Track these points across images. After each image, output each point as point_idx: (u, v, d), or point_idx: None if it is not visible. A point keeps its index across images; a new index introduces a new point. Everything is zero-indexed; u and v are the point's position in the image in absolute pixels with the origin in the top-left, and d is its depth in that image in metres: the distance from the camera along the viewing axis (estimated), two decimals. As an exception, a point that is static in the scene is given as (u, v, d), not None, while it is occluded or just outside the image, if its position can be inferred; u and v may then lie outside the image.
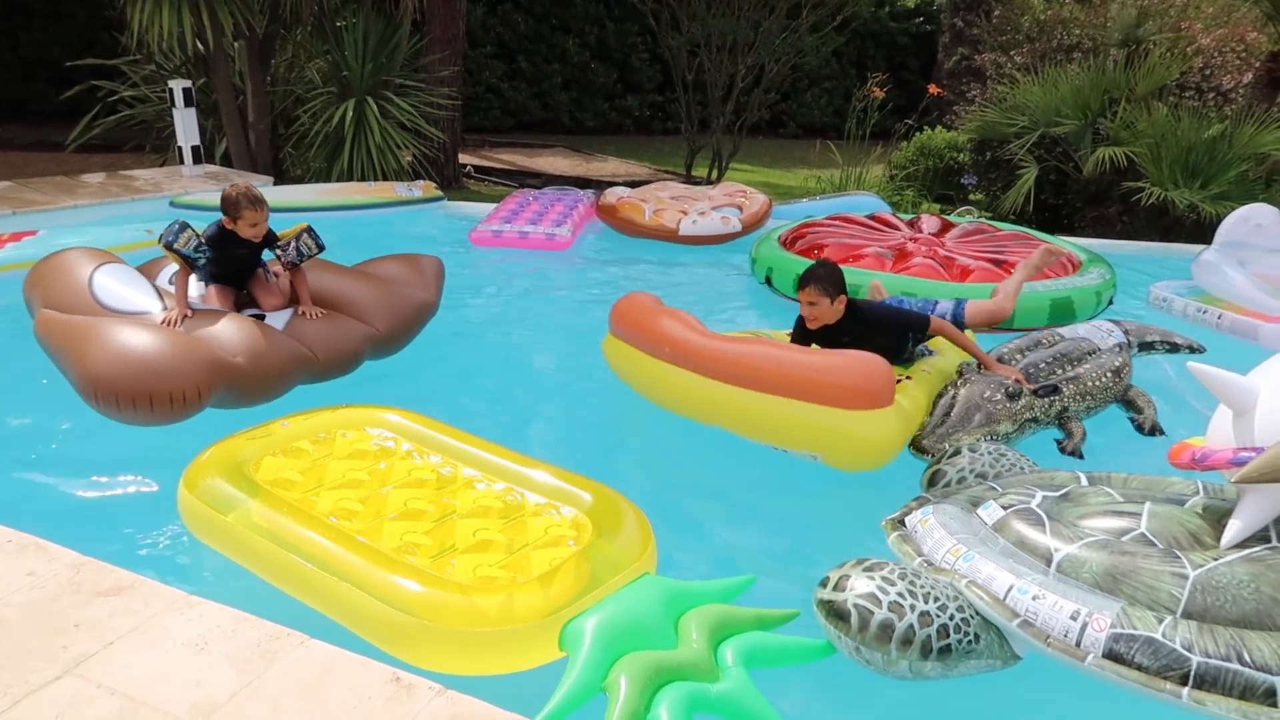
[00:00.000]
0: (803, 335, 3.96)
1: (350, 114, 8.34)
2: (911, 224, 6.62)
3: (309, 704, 1.92)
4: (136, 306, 3.92)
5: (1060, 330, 4.27)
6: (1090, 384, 3.91)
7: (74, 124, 8.72)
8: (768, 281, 5.81)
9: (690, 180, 10.64)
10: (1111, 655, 2.18)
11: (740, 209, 7.19)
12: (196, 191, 7.25)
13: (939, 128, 10.28)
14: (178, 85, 7.72)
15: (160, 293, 4.08)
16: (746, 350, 3.55)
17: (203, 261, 3.96)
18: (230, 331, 3.73)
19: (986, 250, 6.01)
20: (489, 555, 2.57)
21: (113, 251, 4.57)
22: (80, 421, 3.75)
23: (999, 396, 3.63)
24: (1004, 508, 2.62)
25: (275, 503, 2.72)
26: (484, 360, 4.64)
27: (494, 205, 7.50)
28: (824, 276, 3.80)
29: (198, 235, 3.93)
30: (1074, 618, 2.23)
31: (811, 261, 4.18)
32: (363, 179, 8.34)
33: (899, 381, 3.82)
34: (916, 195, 9.71)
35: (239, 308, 4.15)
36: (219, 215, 4.05)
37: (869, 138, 10.14)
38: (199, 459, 2.95)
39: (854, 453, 3.41)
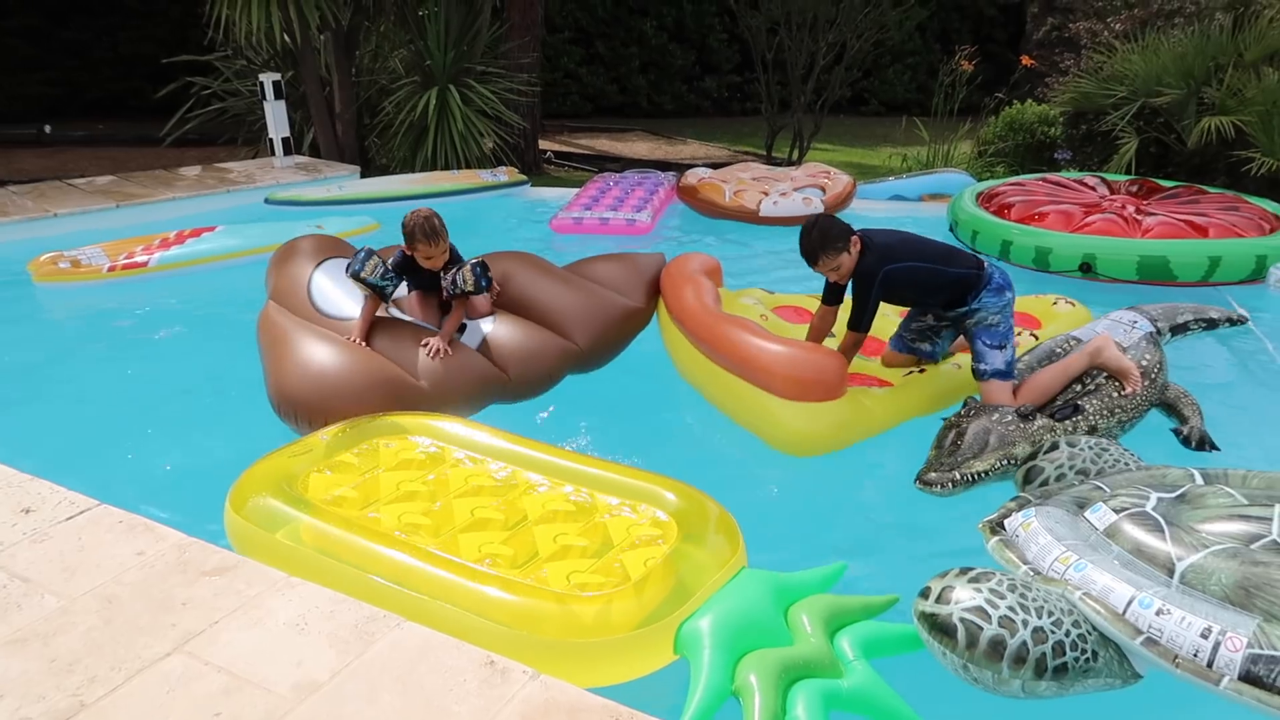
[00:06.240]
0: (834, 293, 3.68)
1: (433, 102, 8.44)
2: (1111, 186, 6.75)
3: (406, 685, 1.95)
4: (344, 313, 3.84)
5: (1076, 334, 3.80)
6: (1117, 395, 3.40)
7: (170, 119, 9.03)
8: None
9: (771, 161, 10.50)
10: (1249, 678, 1.97)
11: (823, 190, 7.06)
12: (289, 185, 7.35)
13: (1029, 101, 9.92)
14: (268, 78, 7.93)
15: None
16: (714, 326, 3.71)
17: (390, 290, 3.75)
18: (417, 352, 3.61)
19: (1189, 211, 5.94)
20: (577, 561, 2.46)
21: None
22: (182, 409, 3.88)
23: (1009, 418, 3.25)
24: (1116, 511, 2.41)
25: (341, 522, 2.59)
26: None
27: (575, 191, 7.52)
28: (821, 238, 3.43)
29: (384, 263, 3.73)
30: (1205, 635, 2.02)
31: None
32: (446, 167, 8.45)
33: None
34: (1007, 172, 9.39)
35: (444, 311, 3.93)
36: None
37: (956, 113, 9.85)
38: (243, 479, 2.79)
39: (786, 439, 3.45)
